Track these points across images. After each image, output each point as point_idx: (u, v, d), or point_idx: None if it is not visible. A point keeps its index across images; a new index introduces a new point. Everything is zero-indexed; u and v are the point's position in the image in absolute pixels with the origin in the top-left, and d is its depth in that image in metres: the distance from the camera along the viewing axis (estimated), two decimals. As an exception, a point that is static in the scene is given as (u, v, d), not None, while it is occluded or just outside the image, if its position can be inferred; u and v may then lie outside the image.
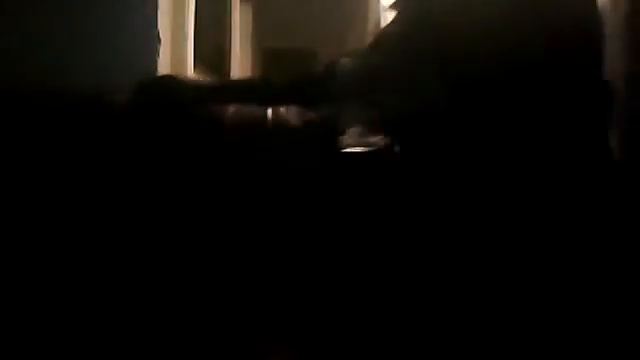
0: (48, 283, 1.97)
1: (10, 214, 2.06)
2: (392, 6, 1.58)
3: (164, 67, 2.75)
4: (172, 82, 2.01)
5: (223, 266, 1.88)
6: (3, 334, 1.90)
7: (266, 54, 6.59)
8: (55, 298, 1.94)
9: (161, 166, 2.08)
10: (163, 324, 1.93)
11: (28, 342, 1.90)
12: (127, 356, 1.89)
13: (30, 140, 2.14)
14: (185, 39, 2.99)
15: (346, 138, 1.55)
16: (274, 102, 1.71)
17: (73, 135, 2.16)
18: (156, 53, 2.65)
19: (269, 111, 1.74)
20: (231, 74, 4.46)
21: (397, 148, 1.52)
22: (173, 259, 1.94)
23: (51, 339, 1.92)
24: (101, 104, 2.16)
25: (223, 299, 1.92)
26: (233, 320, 1.92)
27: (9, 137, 2.15)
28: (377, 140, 1.50)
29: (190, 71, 3.08)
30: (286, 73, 6.02)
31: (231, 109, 1.82)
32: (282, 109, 1.71)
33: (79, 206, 2.09)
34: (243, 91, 1.85)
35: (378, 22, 4.68)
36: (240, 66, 4.84)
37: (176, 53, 2.92)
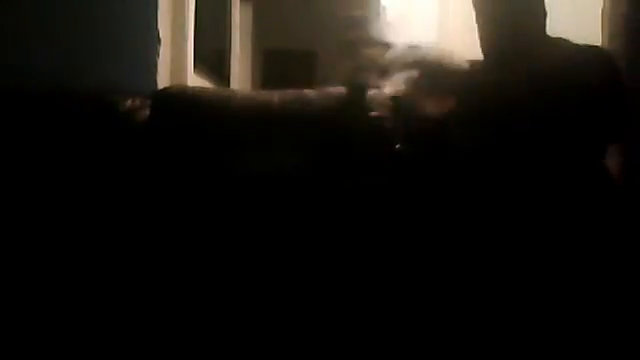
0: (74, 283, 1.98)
1: (19, 215, 2.06)
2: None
3: (164, 67, 2.75)
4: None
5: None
6: (3, 334, 1.90)
7: (266, 54, 6.58)
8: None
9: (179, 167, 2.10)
10: (168, 325, 1.94)
11: (28, 342, 1.90)
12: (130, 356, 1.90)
13: (37, 140, 2.15)
14: (185, 39, 2.99)
15: None
16: None
17: (85, 138, 2.16)
18: (156, 53, 2.65)
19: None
20: (231, 74, 4.45)
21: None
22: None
23: (51, 339, 1.92)
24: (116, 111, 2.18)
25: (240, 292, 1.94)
26: (237, 320, 1.93)
27: (18, 135, 2.15)
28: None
29: (190, 71, 3.08)
30: (286, 73, 6.03)
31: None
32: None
33: (89, 207, 2.09)
34: None
35: (378, 22, 4.68)
36: (240, 66, 4.83)
37: (176, 53, 2.92)
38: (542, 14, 1.86)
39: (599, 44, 2.24)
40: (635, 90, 2.11)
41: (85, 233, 2.04)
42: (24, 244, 2.03)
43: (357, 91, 2.14)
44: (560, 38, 1.85)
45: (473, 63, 1.95)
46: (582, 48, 1.79)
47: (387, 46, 2.39)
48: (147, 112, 2.22)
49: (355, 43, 2.39)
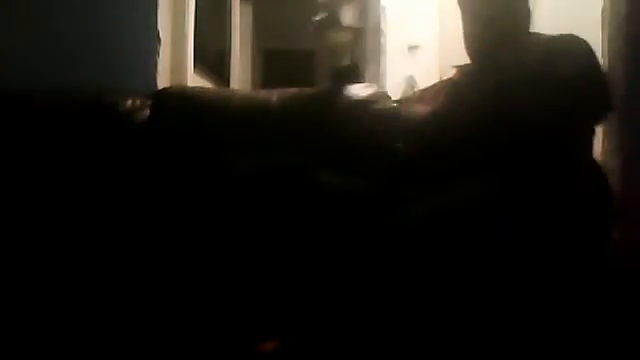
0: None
1: (19, 215, 2.06)
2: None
3: (164, 67, 2.75)
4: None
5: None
6: (3, 334, 1.90)
7: (266, 54, 6.59)
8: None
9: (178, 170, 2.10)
10: (163, 323, 1.94)
11: (28, 341, 1.90)
12: (128, 356, 1.90)
13: (39, 141, 2.15)
14: (185, 39, 2.99)
15: None
16: None
17: (84, 139, 2.16)
18: (156, 53, 2.65)
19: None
20: (231, 74, 4.46)
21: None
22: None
23: (51, 338, 1.92)
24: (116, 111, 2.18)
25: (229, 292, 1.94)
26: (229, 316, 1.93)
27: (18, 135, 2.15)
28: None
29: (190, 71, 3.08)
30: (286, 73, 6.03)
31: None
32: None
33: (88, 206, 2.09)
34: None
35: (378, 22, 4.68)
36: (240, 66, 4.84)
37: (176, 53, 2.92)
38: (526, 13, 1.88)
39: (599, 44, 2.24)
40: (636, 90, 2.12)
41: (85, 233, 2.04)
42: (24, 244, 2.03)
43: (342, 74, 2.15)
44: (536, 33, 1.88)
45: (461, 67, 1.98)
46: (557, 38, 1.82)
47: (357, 30, 2.39)
48: (147, 112, 2.23)
49: (321, 27, 2.39)
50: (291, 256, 1.94)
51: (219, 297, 1.95)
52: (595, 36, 2.26)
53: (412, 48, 4.58)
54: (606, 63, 2.20)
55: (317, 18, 2.50)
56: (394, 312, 1.69)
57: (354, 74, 2.21)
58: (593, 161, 1.79)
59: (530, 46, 1.82)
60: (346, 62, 2.33)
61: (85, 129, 2.17)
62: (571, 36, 1.79)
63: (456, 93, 1.94)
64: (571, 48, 1.76)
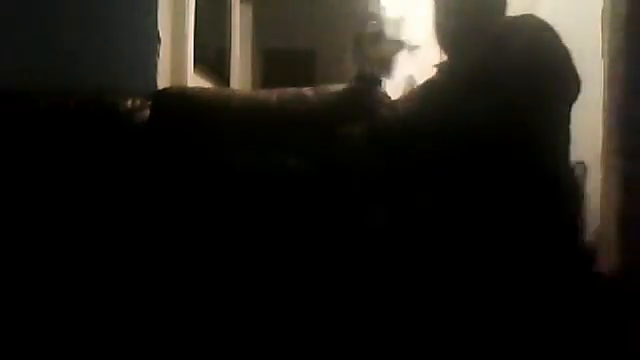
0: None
1: (19, 215, 2.06)
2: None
3: (164, 67, 2.75)
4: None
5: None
6: (3, 334, 1.90)
7: (266, 54, 6.59)
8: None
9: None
10: (166, 324, 1.94)
11: (28, 342, 1.90)
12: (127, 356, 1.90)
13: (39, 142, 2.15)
14: (185, 39, 2.99)
15: None
16: None
17: (85, 140, 2.16)
18: (156, 53, 2.65)
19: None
20: (231, 74, 4.46)
21: None
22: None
23: (51, 338, 1.92)
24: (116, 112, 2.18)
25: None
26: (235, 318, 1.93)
27: (18, 135, 2.15)
28: None
29: (190, 71, 3.08)
30: (286, 73, 6.03)
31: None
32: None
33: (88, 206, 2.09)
34: None
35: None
36: (240, 66, 4.83)
37: (176, 53, 2.92)
38: (501, 2, 1.88)
39: (599, 44, 2.24)
40: (636, 90, 2.12)
41: (85, 233, 2.04)
42: (24, 244, 2.03)
43: (368, 81, 2.15)
44: (506, 17, 1.87)
45: (439, 65, 1.98)
46: (514, 19, 1.83)
47: (399, 43, 2.39)
48: (147, 112, 2.23)
49: (368, 38, 2.40)
50: (290, 256, 1.94)
51: (218, 296, 1.96)
52: (595, 36, 2.26)
53: (412, 48, 4.58)
54: (606, 63, 2.20)
55: (366, 31, 2.46)
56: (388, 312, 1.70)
57: (378, 78, 2.21)
58: (567, 165, 1.78)
59: (498, 33, 1.81)
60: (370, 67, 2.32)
61: (85, 129, 2.17)
62: (529, 16, 1.78)
63: (430, 91, 1.93)
64: (527, 28, 1.76)
